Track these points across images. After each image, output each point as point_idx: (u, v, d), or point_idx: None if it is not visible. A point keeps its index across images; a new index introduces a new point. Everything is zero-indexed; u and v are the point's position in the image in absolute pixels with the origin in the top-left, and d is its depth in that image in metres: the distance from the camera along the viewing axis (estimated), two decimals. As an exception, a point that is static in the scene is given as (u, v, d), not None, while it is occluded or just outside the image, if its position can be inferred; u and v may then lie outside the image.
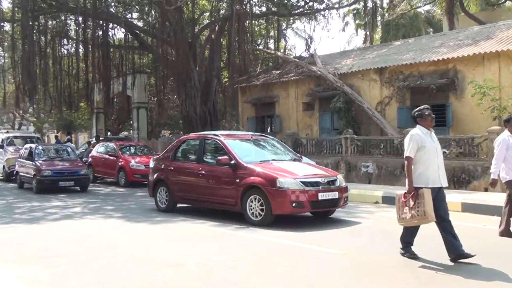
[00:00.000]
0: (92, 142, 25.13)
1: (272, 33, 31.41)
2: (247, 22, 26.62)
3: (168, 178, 11.67)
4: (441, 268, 6.38)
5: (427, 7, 41.17)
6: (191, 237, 8.84)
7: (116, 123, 38.10)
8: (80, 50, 28.13)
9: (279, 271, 6.37)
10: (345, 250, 7.43)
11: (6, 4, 28.05)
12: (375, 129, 19.10)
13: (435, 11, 40.77)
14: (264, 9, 29.61)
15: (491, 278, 5.97)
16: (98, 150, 21.03)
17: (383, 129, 18.36)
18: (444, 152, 14.59)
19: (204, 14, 31.37)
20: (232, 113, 32.77)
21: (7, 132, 25.40)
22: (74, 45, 30.29)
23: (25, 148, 18.87)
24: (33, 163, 17.07)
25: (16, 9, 26.25)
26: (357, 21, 41.97)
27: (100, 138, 25.89)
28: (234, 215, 10.68)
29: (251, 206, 9.74)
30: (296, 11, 29.63)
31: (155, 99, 33.41)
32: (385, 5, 36.57)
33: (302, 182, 9.57)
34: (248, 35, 27.16)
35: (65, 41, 30.95)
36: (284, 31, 32.94)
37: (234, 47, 25.13)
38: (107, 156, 19.89)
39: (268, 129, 24.16)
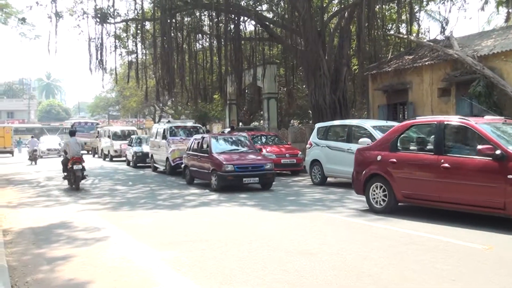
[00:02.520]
0: (226, 132, 26.13)
1: (403, 17, 30.20)
2: (377, 7, 25.87)
3: (389, 172, 9.72)
4: None
5: None
6: (324, 227, 8.84)
7: (248, 113, 39.25)
8: (214, 44, 29.26)
9: (416, 264, 6.14)
10: (489, 245, 6.97)
11: (147, 5, 29.98)
12: (520, 115, 17.62)
13: None
14: (395, -8, 28.55)
15: None
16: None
17: (529, 114, 16.88)
18: None
19: (333, 1, 31.06)
20: (362, 101, 32.17)
21: (169, 121, 24.66)
22: (208, 39, 31.66)
23: (195, 139, 16.87)
24: (211, 157, 14.88)
25: (155, 8, 28.00)
26: (498, -1, 38.91)
27: (235, 128, 26.88)
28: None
29: None
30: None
31: (285, 89, 33.85)
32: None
33: None
34: (378, 20, 26.35)
35: (199, 36, 32.45)
36: (417, 14, 31.53)
37: (364, 33, 24.51)
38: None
39: (400, 117, 23.35)
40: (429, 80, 21.35)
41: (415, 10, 30.44)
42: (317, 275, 5.75)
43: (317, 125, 16.94)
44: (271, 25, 28.64)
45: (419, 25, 32.54)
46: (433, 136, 9.32)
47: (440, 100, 20.98)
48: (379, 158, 9.97)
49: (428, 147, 9.45)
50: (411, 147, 9.86)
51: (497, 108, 17.83)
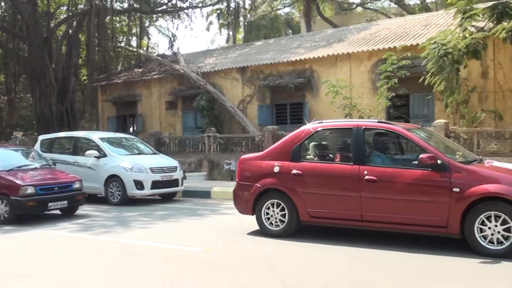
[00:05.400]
0: None
1: (134, 30, 30.73)
2: (108, 18, 25.78)
3: (291, 187, 7.94)
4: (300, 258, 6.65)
5: (287, 10, 43.04)
6: (45, 244, 8.28)
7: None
8: None
9: (139, 273, 6.18)
10: (207, 247, 7.43)
11: None
12: (237, 127, 19.47)
13: (294, 13, 42.74)
14: (126, 5, 28.86)
15: (341, 266, 6.29)
16: None
17: (245, 127, 18.79)
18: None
19: (61, 8, 29.79)
20: (91, 113, 31.50)
21: None
22: None
23: None
24: None
25: None
26: (220, 21, 42.55)
27: None
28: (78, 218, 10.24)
29: (483, 228, 6.58)
30: (159, 9, 29.34)
31: (6, 98, 31.02)
32: (247, 6, 37.59)
33: None
34: (109, 31, 26.38)
35: None
36: (147, 29, 32.45)
37: (93, 43, 24.23)
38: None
39: (131, 129, 23.59)
40: (158, 93, 22.09)
41: (146, 25, 31.25)
42: (31, 297, 5.34)
43: (41, 137, 15.88)
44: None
45: (149, 39, 33.41)
46: (349, 143, 7.93)
47: (167, 112, 21.87)
48: (276, 169, 8.14)
49: (343, 156, 7.98)
50: (320, 156, 8.21)
51: (218, 121, 19.42)
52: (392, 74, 14.77)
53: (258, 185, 8.23)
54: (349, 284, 5.48)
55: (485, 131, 13.09)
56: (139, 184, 12.83)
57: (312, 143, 8.24)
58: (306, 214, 7.86)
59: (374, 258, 6.66)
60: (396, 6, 33.14)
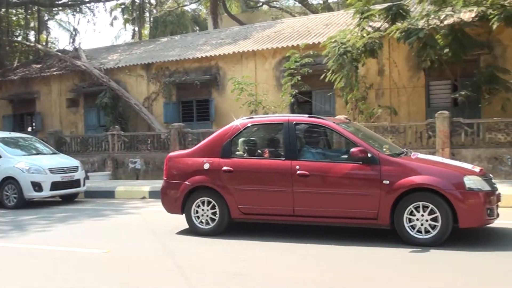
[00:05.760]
0: None
1: (32, 24, 29.29)
2: (3, 10, 24.41)
3: (222, 184, 7.75)
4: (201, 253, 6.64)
5: (194, 6, 42.79)
6: None
7: None
8: None
9: (36, 277, 5.89)
10: (108, 249, 7.23)
11: None
12: (142, 125, 19.13)
13: (201, 10, 42.61)
14: (23, -3, 27.43)
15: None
16: None
17: (150, 124, 18.51)
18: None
19: None
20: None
21: None
22: None
23: None
24: None
25: None
26: (125, 16, 41.44)
27: None
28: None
29: (411, 219, 6.75)
30: (59, 2, 28.22)
31: None
32: (153, 1, 37.03)
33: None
34: (4, 24, 24.96)
35: None
36: (46, 22, 31.06)
37: (-14, 37, 22.78)
38: None
39: (29, 128, 22.47)
40: (58, 90, 21.26)
41: (45, 18, 29.92)
42: None
43: None
44: None
45: (48, 34, 32.03)
46: (280, 138, 7.90)
47: (69, 110, 21.12)
48: (207, 166, 7.89)
49: (274, 151, 7.97)
50: (250, 152, 8.02)
51: (122, 119, 18.98)
52: (295, 72, 15.16)
53: (187, 183, 7.95)
54: (267, 282, 5.47)
55: (382, 126, 13.77)
56: (37, 186, 12.25)
57: (242, 139, 8.02)
58: (237, 211, 7.69)
59: (304, 253, 6.67)
60: (300, 5, 34.02)
